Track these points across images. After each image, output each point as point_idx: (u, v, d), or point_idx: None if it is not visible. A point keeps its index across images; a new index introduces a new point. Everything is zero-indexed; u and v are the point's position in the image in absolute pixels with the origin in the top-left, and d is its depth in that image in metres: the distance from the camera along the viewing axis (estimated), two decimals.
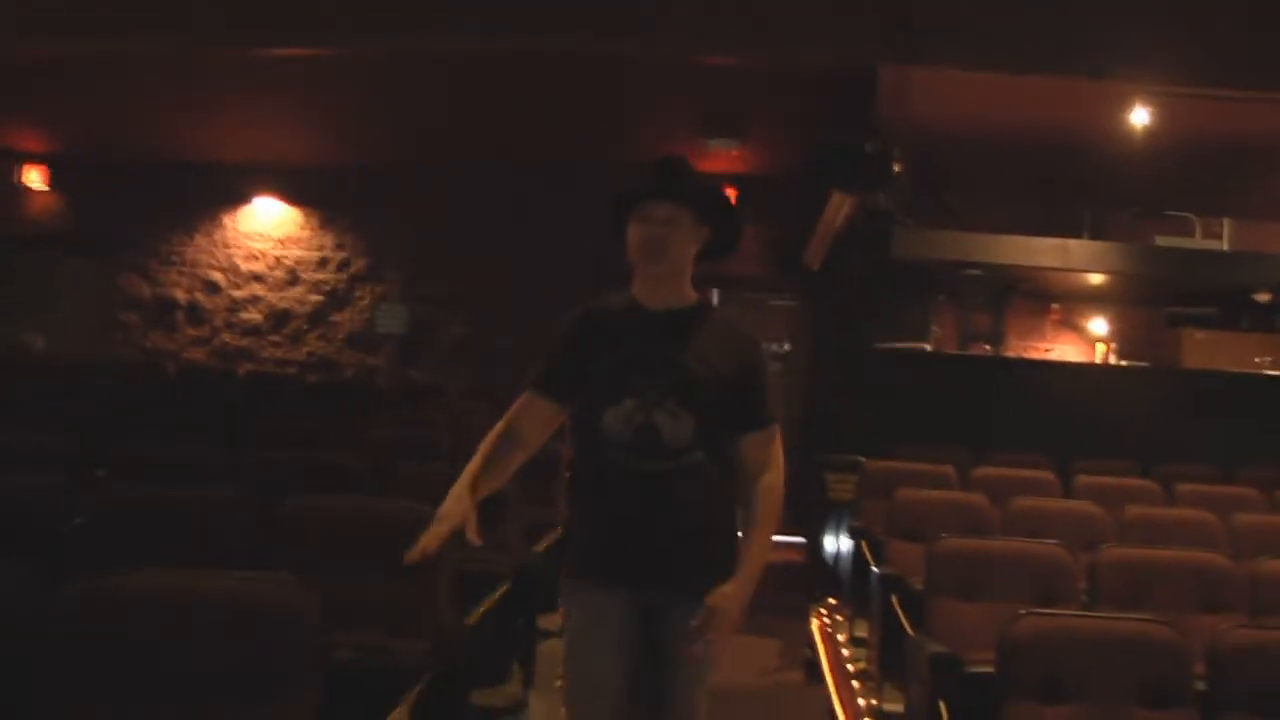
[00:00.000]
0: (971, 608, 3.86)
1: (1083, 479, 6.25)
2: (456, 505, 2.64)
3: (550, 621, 5.23)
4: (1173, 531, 4.99)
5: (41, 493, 3.91)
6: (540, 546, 5.21)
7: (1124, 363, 9.61)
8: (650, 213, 2.75)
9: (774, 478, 2.80)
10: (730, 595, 2.63)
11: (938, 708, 3.41)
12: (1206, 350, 9.51)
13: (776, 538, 2.91)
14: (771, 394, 2.85)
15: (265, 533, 3.51)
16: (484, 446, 2.79)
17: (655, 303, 2.80)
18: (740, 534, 2.82)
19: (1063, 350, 10.03)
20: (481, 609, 3.89)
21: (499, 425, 2.83)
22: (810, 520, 8.35)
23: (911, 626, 4.16)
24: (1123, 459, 6.99)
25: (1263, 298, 9.45)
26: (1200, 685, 2.97)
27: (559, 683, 4.16)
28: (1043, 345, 10.02)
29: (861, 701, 5.02)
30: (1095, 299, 10.12)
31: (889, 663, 4.66)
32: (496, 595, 3.93)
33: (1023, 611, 3.08)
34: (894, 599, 4.52)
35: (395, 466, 5.04)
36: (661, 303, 2.80)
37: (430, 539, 2.59)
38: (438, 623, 3.49)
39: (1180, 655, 2.92)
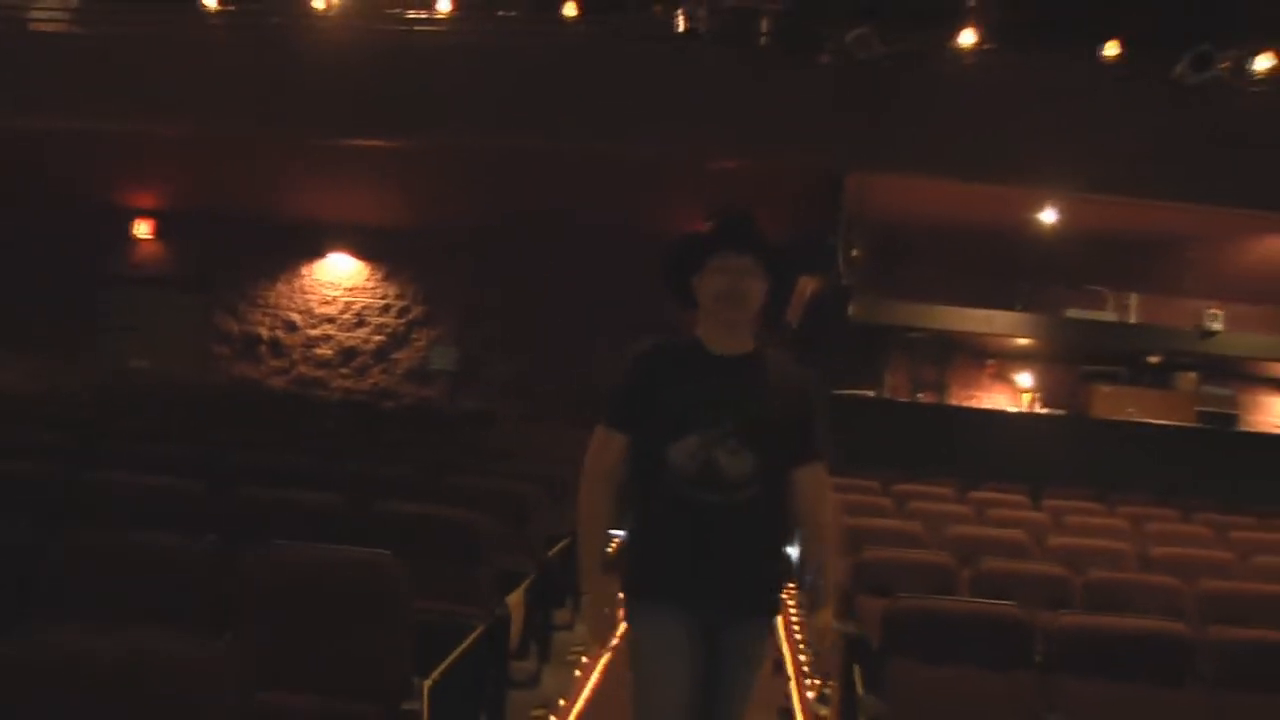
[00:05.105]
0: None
1: (975, 494, 8.33)
2: (603, 592, 3.01)
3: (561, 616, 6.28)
4: (1019, 523, 6.95)
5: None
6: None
7: (1036, 410, 11.75)
8: (730, 263, 2.91)
9: (828, 511, 3.08)
10: (827, 618, 3.00)
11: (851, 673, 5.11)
12: (1112, 401, 11.63)
13: None
14: (820, 427, 3.02)
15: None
16: (589, 509, 3.01)
17: (722, 348, 2.96)
18: (792, 555, 3.17)
19: (995, 399, 12.19)
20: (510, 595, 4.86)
21: (590, 476, 3.00)
22: None
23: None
24: (1019, 482, 9.02)
25: (1155, 360, 11.67)
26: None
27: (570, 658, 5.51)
28: (977, 394, 12.19)
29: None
30: (1023, 358, 12.30)
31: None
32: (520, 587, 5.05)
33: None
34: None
35: (483, 462, 7.29)
36: (728, 348, 2.96)
37: (604, 629, 3.04)
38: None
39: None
